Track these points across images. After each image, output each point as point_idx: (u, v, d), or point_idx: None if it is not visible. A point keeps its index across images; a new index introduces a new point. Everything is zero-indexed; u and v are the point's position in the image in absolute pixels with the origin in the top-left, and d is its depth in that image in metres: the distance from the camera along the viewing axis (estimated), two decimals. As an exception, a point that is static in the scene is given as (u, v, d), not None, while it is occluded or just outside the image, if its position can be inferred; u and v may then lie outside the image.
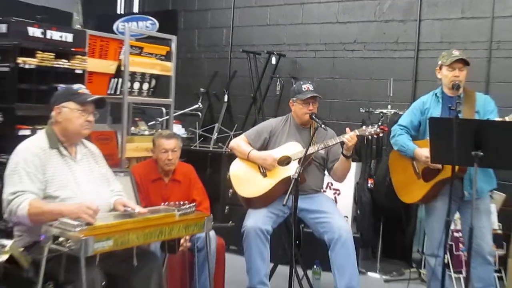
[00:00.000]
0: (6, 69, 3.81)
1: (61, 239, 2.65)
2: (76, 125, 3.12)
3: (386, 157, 4.91)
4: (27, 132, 3.69)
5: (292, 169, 3.87)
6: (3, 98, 3.80)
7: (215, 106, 6.72)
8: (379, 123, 4.10)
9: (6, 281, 2.93)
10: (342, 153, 3.98)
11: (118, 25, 5.80)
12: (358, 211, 5.36)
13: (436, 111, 3.92)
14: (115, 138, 4.54)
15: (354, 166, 5.15)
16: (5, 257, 2.60)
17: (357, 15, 6.00)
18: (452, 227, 4.65)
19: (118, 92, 4.49)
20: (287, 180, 3.81)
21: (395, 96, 5.40)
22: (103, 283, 2.84)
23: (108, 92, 4.54)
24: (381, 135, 4.09)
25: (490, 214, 4.14)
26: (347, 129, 3.93)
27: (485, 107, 3.87)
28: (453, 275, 4.72)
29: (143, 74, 4.67)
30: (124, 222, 2.91)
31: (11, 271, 2.80)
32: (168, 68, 4.87)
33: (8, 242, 2.69)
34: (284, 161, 4.08)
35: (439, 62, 3.93)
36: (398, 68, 5.70)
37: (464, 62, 3.82)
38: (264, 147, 4.21)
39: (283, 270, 4.27)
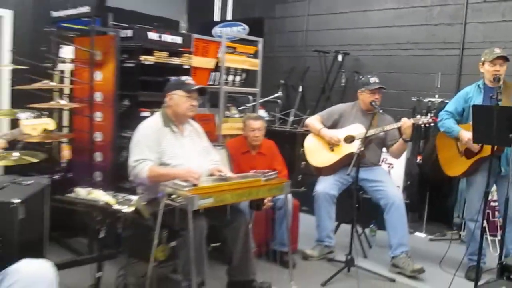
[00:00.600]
0: (132, 65, 3.91)
1: (173, 196, 2.73)
2: (183, 108, 3.18)
3: (432, 137, 4.74)
4: (147, 114, 3.78)
5: (355, 146, 3.80)
6: (129, 88, 3.91)
7: (292, 95, 6.69)
8: (431, 114, 3.96)
9: (133, 226, 3.05)
10: (402, 138, 3.89)
11: (216, 30, 5.83)
12: (408, 182, 5.23)
13: (478, 100, 3.75)
14: (213, 120, 4.60)
15: (405, 144, 5.00)
16: (131, 209, 2.67)
17: (410, 20, 5.78)
18: (489, 197, 4.45)
19: (216, 83, 4.54)
20: (351, 155, 3.75)
21: (442, 87, 5.17)
22: (206, 231, 2.92)
23: (208, 83, 4.59)
24: (432, 124, 3.95)
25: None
26: (404, 118, 3.85)
27: None
28: (489, 238, 4.54)
29: (235, 69, 4.69)
30: (221, 185, 2.95)
31: (136, 219, 2.90)
32: (255, 64, 4.88)
33: (133, 198, 2.77)
34: (349, 139, 4.02)
35: (482, 59, 3.73)
36: (445, 64, 5.45)
37: (504, 59, 3.64)
38: (334, 126, 4.15)
39: (345, 228, 4.23)
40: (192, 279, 2.70)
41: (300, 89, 6.49)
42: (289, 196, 3.71)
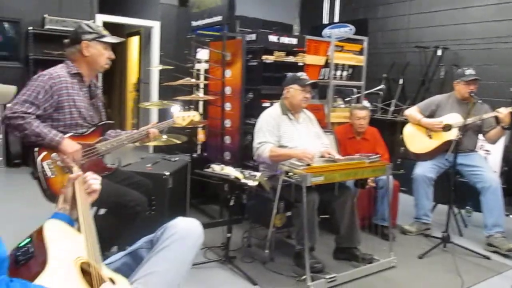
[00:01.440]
0: (255, 63, 4.00)
1: (290, 173, 2.78)
2: (298, 99, 3.20)
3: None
4: (267, 104, 3.85)
5: (452, 134, 3.56)
6: (253, 83, 4.01)
7: (392, 87, 6.41)
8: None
9: (256, 198, 3.17)
10: (500, 125, 3.58)
11: (325, 31, 5.73)
12: (506, 168, 4.77)
13: None
14: (323, 109, 4.57)
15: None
16: (256, 183, 2.77)
17: (509, 14, 5.22)
18: None
19: (326, 78, 4.49)
20: (448, 142, 3.53)
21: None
22: (317, 204, 2.94)
23: (319, 78, 4.56)
24: None
25: None
26: (502, 108, 3.54)
27: None
28: None
29: (343, 65, 4.59)
30: (331, 165, 2.94)
31: (259, 192, 3.00)
32: (360, 60, 4.74)
33: (257, 174, 2.86)
34: (447, 127, 3.77)
35: None
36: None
37: None
38: (431, 116, 3.92)
39: (442, 208, 4.00)
40: (304, 244, 2.74)
41: (401, 81, 6.20)
42: (390, 177, 3.59)
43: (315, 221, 2.92)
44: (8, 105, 2.29)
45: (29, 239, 1.17)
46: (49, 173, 2.25)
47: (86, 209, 1.39)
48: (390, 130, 5.55)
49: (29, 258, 1.08)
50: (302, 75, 3.28)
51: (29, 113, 2.24)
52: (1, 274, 0.82)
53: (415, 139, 3.96)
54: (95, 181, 1.53)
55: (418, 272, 3.14)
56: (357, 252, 3.14)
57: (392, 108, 5.95)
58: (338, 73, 4.56)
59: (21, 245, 1.16)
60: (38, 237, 1.17)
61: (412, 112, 4.02)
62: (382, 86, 6.19)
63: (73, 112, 2.40)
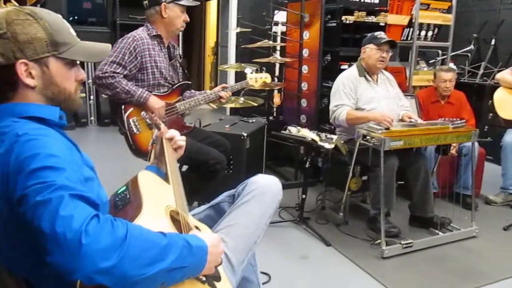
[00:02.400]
0: (334, 24, 3.90)
1: (367, 137, 2.72)
2: (373, 60, 3.07)
3: None
4: (345, 66, 3.75)
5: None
6: (331, 44, 3.92)
7: (482, 48, 5.91)
8: None
9: (332, 161, 3.16)
10: None
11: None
12: None
13: None
14: (404, 72, 4.36)
15: None
16: (332, 145, 2.76)
17: None
18: None
19: (408, 39, 4.26)
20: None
21: None
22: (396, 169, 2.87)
23: (402, 39, 4.34)
24: None
25: None
26: None
27: None
28: None
29: (428, 25, 4.33)
30: (412, 130, 2.82)
31: (335, 155, 2.99)
32: (448, 19, 4.41)
33: (334, 136, 2.84)
34: (545, 91, 3.45)
35: None
36: None
37: None
38: None
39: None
40: (381, 209, 2.70)
41: (493, 42, 5.69)
42: (476, 144, 3.39)
43: (393, 186, 2.86)
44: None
45: (125, 187, 1.27)
46: (134, 129, 2.43)
47: (173, 163, 1.47)
48: (478, 94, 5.17)
49: (126, 203, 1.18)
50: (379, 34, 3.12)
51: (117, 73, 2.39)
52: (104, 214, 0.91)
53: (506, 105, 3.66)
54: (180, 137, 1.60)
55: (502, 243, 2.99)
56: (435, 220, 3.04)
57: (481, 71, 5.51)
58: (423, 33, 4.31)
59: (118, 191, 1.27)
60: (133, 185, 1.26)
61: (505, 75, 3.71)
62: (471, 47, 5.73)
63: (155, 73, 2.52)
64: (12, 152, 0.93)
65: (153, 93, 2.51)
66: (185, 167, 2.76)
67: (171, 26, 2.58)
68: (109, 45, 1.25)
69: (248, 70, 2.94)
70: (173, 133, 1.57)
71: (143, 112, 2.37)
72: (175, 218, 1.21)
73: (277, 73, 5.03)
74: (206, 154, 2.50)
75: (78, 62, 1.16)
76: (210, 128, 3.20)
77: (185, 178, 2.55)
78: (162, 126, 1.60)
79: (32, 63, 1.04)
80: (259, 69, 2.96)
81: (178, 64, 2.74)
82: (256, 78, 2.87)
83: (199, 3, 2.70)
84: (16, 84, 1.05)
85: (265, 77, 2.92)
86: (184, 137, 1.62)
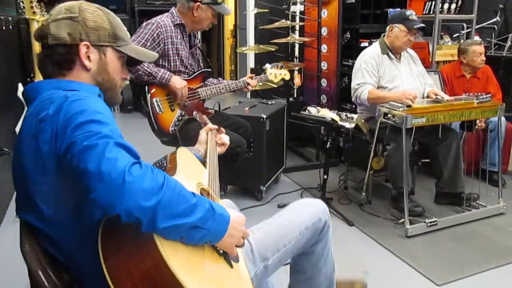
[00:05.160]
0: (353, 0, 3.82)
1: (389, 115, 2.68)
2: (401, 42, 2.99)
3: None
4: (366, 44, 3.67)
5: None
6: (351, 21, 3.85)
7: (510, 19, 5.68)
8: None
9: (352, 140, 3.13)
10: None
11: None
12: None
13: None
14: (427, 47, 4.24)
15: None
16: (353, 124, 2.73)
17: None
18: None
19: (431, 12, 4.12)
20: None
21: None
22: (415, 147, 2.83)
23: (424, 12, 4.20)
24: None
25: None
26: None
27: None
28: None
29: (451, -4, 4.18)
30: (435, 106, 2.76)
31: (356, 134, 2.96)
32: (473, -10, 4.26)
33: (354, 116, 2.80)
34: None
35: None
36: None
37: None
38: None
39: None
40: (403, 187, 2.67)
41: (522, 12, 5.47)
42: (503, 118, 3.29)
43: (408, 165, 2.78)
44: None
45: (163, 158, 1.37)
46: (157, 109, 2.47)
47: (213, 154, 1.56)
48: (506, 68, 4.98)
49: (162, 169, 1.24)
50: (411, 14, 2.99)
51: None
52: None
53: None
54: (226, 136, 1.70)
55: (530, 220, 2.92)
56: (462, 196, 2.99)
57: (509, 44, 5.30)
58: (446, 6, 4.15)
59: (157, 160, 1.36)
60: (172, 156, 1.36)
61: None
62: (497, 19, 5.50)
63: (176, 60, 2.55)
64: (61, 111, 1.01)
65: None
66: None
67: (197, 24, 2.61)
68: (156, 54, 1.40)
69: (268, 65, 2.95)
70: (222, 130, 1.71)
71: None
72: (204, 195, 1.27)
73: (296, 53, 4.97)
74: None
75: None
76: (230, 111, 3.21)
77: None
78: (210, 124, 1.71)
79: (93, 48, 1.17)
80: (279, 65, 2.95)
81: (198, 52, 2.75)
82: (276, 74, 2.88)
83: (231, 12, 2.71)
84: (74, 63, 1.16)
85: (285, 73, 2.92)
86: (228, 137, 1.71)
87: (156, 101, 2.47)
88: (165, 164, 1.32)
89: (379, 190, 3.33)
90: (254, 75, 2.81)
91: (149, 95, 2.46)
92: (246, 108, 3.24)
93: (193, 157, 1.49)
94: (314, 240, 1.55)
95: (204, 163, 1.54)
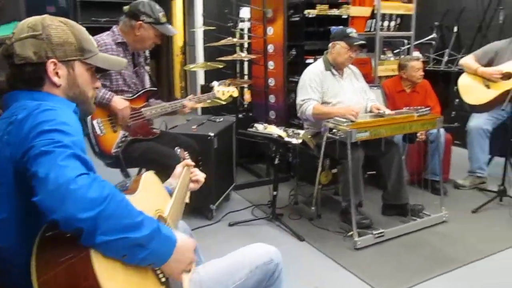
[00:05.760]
0: (297, 18, 3.90)
1: (334, 130, 2.73)
2: (342, 58, 3.07)
3: None
4: (311, 60, 3.76)
5: (512, 82, 3.32)
6: (296, 38, 3.93)
7: (446, 35, 6.02)
8: None
9: (300, 155, 3.16)
10: None
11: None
12: None
13: None
14: (370, 63, 4.40)
15: None
16: (300, 140, 2.76)
17: None
18: None
19: (372, 30, 4.30)
20: (508, 92, 3.29)
21: None
22: (363, 160, 2.89)
23: (365, 30, 4.37)
24: None
25: None
26: None
27: None
28: None
29: (390, 15, 4.37)
30: (377, 120, 2.86)
31: (303, 150, 2.99)
32: (409, 8, 4.47)
33: (301, 131, 2.84)
34: (507, 76, 3.52)
35: None
36: None
37: None
38: (489, 64, 3.66)
39: (499, 161, 3.79)
40: (351, 200, 2.72)
41: (455, 29, 5.80)
42: (442, 130, 3.45)
43: (361, 177, 2.88)
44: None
45: (129, 179, 1.37)
46: (98, 131, 2.37)
47: (183, 189, 1.53)
48: (444, 81, 5.27)
49: (123, 190, 1.26)
50: (352, 32, 3.09)
51: None
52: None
53: (471, 90, 3.74)
54: (202, 173, 1.66)
55: (471, 226, 3.05)
56: (406, 207, 3.08)
57: (445, 58, 5.62)
58: (386, 23, 4.34)
59: (121, 181, 1.36)
60: (137, 178, 1.33)
61: (468, 61, 3.78)
62: (433, 35, 5.82)
63: (119, 80, 2.48)
64: (30, 117, 1.03)
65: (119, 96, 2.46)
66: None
67: (139, 44, 2.53)
68: (124, 60, 1.40)
69: (215, 82, 2.93)
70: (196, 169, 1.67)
71: (177, 149, 2.31)
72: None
73: (246, 70, 5.01)
74: (171, 158, 2.45)
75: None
76: (177, 129, 3.16)
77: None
78: (188, 160, 1.67)
79: (60, 64, 1.17)
80: (227, 82, 2.94)
81: (143, 70, 2.69)
82: (223, 91, 2.87)
83: (176, 32, 2.66)
84: (43, 80, 1.16)
85: (232, 91, 2.91)
86: (204, 174, 1.67)
87: (97, 123, 2.37)
88: (127, 185, 1.31)
89: (329, 204, 3.37)
90: (193, 95, 2.76)
91: (89, 116, 2.37)
92: (194, 127, 3.21)
93: (160, 185, 1.47)
94: (265, 283, 1.45)
95: (171, 194, 1.50)
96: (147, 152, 2.46)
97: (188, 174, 1.61)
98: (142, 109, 2.53)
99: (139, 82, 2.63)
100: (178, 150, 1.92)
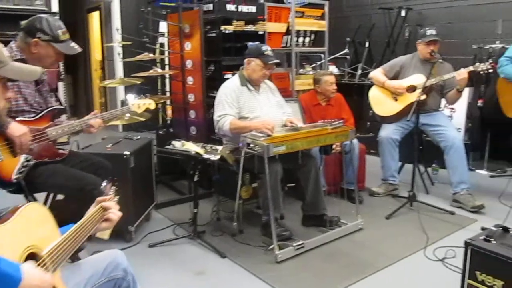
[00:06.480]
0: (214, 34, 3.92)
1: (252, 145, 2.74)
2: (257, 75, 3.13)
3: (493, 82, 4.32)
4: (229, 75, 3.77)
5: (417, 95, 3.56)
6: (214, 54, 3.94)
7: (359, 50, 6.38)
8: (490, 61, 3.56)
9: (219, 171, 3.14)
10: (456, 88, 3.60)
11: (287, -3, 5.61)
12: (470, 124, 4.85)
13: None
14: (288, 77, 4.52)
15: (467, 90, 4.60)
16: (218, 156, 2.74)
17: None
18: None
19: (288, 45, 4.43)
20: (413, 103, 3.53)
21: (503, 33, 4.65)
22: (281, 174, 2.93)
23: (282, 45, 4.49)
24: (491, 71, 3.52)
25: None
26: (461, 69, 3.51)
27: None
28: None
29: (305, 31, 4.54)
30: (293, 134, 2.92)
31: (222, 165, 2.98)
32: (323, 25, 4.68)
33: (219, 147, 2.83)
34: (411, 88, 3.77)
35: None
36: (506, 11, 4.87)
37: None
38: (396, 77, 3.91)
39: (409, 167, 4.05)
40: (270, 213, 2.74)
41: (367, 44, 6.16)
42: (355, 141, 3.61)
43: (279, 190, 2.91)
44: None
45: (8, 207, 1.21)
46: None
47: (86, 227, 1.40)
48: (358, 94, 5.55)
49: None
50: (266, 50, 3.15)
51: None
52: None
53: (380, 102, 3.97)
54: (117, 213, 1.54)
55: (385, 232, 3.20)
56: (324, 218, 3.17)
57: (359, 72, 5.94)
58: (301, 39, 4.50)
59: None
60: (14, 209, 1.21)
61: (377, 74, 4.01)
62: (346, 51, 6.13)
63: (19, 99, 2.29)
64: None
65: (19, 118, 2.28)
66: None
67: (38, 62, 2.31)
68: (39, 68, 1.32)
69: (130, 96, 2.84)
70: (111, 205, 1.54)
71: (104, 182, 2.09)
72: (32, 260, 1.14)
73: (167, 87, 4.92)
74: (81, 180, 2.32)
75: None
76: (90, 149, 3.01)
77: (62, 207, 2.38)
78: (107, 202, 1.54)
79: None
80: (142, 95, 2.85)
81: (45, 89, 2.51)
82: (139, 105, 2.77)
83: (79, 51, 2.49)
84: None
85: (149, 103, 2.83)
86: (120, 214, 1.55)
87: None
88: (2, 214, 1.19)
89: (251, 218, 3.38)
90: (98, 111, 2.59)
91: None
92: (109, 145, 3.08)
93: (47, 218, 1.33)
94: None
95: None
96: (53, 175, 2.30)
97: (99, 213, 1.50)
98: (47, 130, 2.35)
99: (43, 101, 2.45)
100: (104, 184, 1.80)
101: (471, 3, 5.22)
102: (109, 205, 1.54)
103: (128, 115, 3.50)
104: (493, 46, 4.65)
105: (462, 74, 3.48)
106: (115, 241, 2.97)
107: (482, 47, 4.77)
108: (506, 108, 3.65)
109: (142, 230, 3.18)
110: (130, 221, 2.99)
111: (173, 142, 2.85)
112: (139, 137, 3.36)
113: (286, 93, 4.25)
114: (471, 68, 3.50)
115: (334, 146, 3.41)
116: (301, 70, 4.89)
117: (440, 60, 3.52)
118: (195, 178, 2.90)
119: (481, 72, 3.53)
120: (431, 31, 3.73)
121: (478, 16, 5.15)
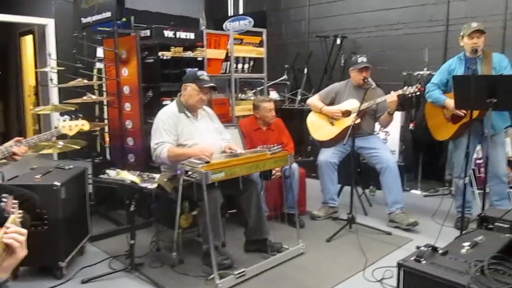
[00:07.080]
0: (152, 60, 3.87)
1: (190, 172, 2.69)
2: (194, 100, 3.10)
3: (423, 106, 4.58)
4: (168, 102, 3.71)
5: (352, 120, 3.70)
6: (152, 80, 3.88)
7: (299, 76, 6.57)
8: (417, 85, 3.77)
9: (157, 200, 3.05)
10: (387, 111, 3.76)
11: (226, 24, 5.68)
12: (403, 146, 5.09)
13: (460, 71, 3.59)
14: (228, 103, 4.53)
15: (399, 114, 4.85)
16: (155, 185, 2.67)
17: (399, 2, 5.57)
18: (475, 156, 4.34)
19: (227, 71, 4.46)
20: (349, 127, 3.65)
21: (430, 61, 4.98)
22: (221, 201, 2.89)
23: (221, 72, 4.52)
24: (418, 93, 3.72)
25: (505, 145, 3.79)
26: (392, 92, 3.69)
27: (500, 64, 3.49)
28: (476, 191, 4.38)
29: (244, 58, 4.60)
30: (232, 160, 2.89)
31: (160, 194, 2.89)
32: (261, 52, 4.77)
33: (157, 175, 2.76)
34: (346, 113, 3.91)
35: (461, 33, 3.57)
36: (432, 40, 5.24)
37: (480, 32, 3.45)
38: (332, 103, 4.03)
39: (348, 189, 4.15)
40: (210, 242, 2.69)
41: (305, 71, 6.36)
42: (294, 165, 3.66)
43: (219, 218, 2.87)
44: None
45: None
46: None
47: None
48: (298, 118, 5.66)
49: None
50: (202, 74, 3.14)
51: None
52: None
53: (318, 127, 4.07)
54: (19, 238, 1.27)
55: (326, 255, 3.23)
56: (267, 243, 3.15)
57: (299, 97, 6.09)
58: (240, 66, 4.55)
59: None
60: None
61: (314, 100, 4.12)
62: (285, 77, 6.29)
63: None
64: None
65: None
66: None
67: None
68: None
69: (61, 118, 2.71)
70: (16, 229, 1.28)
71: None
72: None
73: (105, 113, 4.76)
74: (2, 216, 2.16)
75: None
76: (17, 180, 2.82)
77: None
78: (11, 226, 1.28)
79: None
80: (74, 116, 2.74)
81: None
82: (70, 126, 2.66)
83: None
84: None
85: (82, 124, 2.73)
86: (22, 238, 1.29)
87: None
88: None
89: (192, 247, 3.30)
90: (22, 138, 2.45)
91: None
92: (38, 176, 2.90)
93: None
94: None
95: None
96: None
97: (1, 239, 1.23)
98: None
99: None
100: (4, 200, 1.60)
101: (400, 33, 5.57)
102: (7, 228, 1.27)
103: (61, 143, 3.36)
104: (421, 72, 4.94)
105: (392, 97, 3.65)
106: (44, 278, 2.79)
107: (411, 73, 5.07)
108: (434, 131, 3.86)
109: (75, 265, 3.00)
110: (61, 256, 2.80)
111: (107, 171, 2.74)
112: (71, 166, 3.20)
113: (226, 118, 4.26)
114: (400, 92, 3.69)
115: (274, 171, 3.43)
116: (242, 96, 4.93)
117: (373, 86, 3.67)
118: (132, 208, 2.79)
119: (410, 95, 3.72)
120: (362, 59, 3.90)
121: (407, 45, 5.50)
